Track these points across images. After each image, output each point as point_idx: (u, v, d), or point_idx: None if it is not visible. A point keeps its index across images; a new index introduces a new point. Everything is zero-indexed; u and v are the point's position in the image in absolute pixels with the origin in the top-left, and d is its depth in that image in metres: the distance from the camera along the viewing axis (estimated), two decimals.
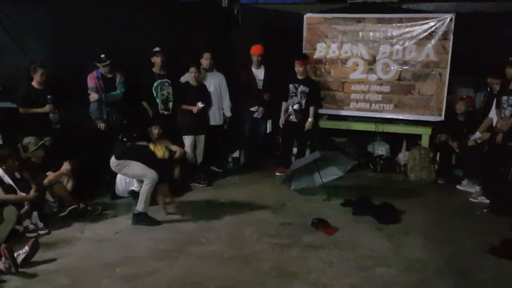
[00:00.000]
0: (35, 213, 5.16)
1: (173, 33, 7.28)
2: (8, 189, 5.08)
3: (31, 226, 5.07)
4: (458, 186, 6.91)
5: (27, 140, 5.63)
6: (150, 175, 5.33)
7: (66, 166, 5.69)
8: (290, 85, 7.40)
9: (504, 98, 6.21)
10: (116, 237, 5.08)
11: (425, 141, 7.51)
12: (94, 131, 6.51)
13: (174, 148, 6.71)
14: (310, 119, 7.43)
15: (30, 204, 5.14)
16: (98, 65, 6.46)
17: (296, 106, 7.34)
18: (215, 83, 7.28)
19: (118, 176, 6.21)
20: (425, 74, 7.46)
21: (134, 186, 6.20)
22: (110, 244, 4.90)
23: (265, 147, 8.05)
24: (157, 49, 6.84)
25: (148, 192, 5.36)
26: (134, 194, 6.06)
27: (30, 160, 5.64)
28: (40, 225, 5.13)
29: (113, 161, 5.41)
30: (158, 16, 7.27)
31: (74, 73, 6.48)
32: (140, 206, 5.38)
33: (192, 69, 6.90)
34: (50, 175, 5.60)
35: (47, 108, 6.10)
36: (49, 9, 6.57)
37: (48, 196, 5.58)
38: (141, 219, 5.38)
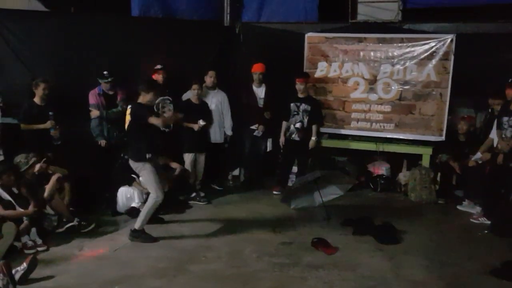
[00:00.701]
0: (33, 230, 5.15)
1: (175, 51, 7.34)
2: (7, 205, 5.07)
3: (30, 243, 5.04)
4: (458, 207, 6.87)
5: (18, 159, 5.59)
6: (157, 193, 5.30)
7: (55, 176, 5.69)
8: (292, 104, 7.41)
9: (505, 119, 6.21)
10: (115, 255, 5.05)
11: (425, 161, 7.50)
12: (95, 148, 6.50)
13: (174, 165, 6.76)
14: (313, 138, 7.43)
15: (29, 220, 5.12)
16: (100, 81, 6.50)
17: (298, 125, 7.35)
18: (217, 101, 7.30)
19: (119, 192, 6.20)
20: (426, 94, 7.48)
21: (135, 202, 6.18)
22: (109, 261, 4.87)
23: (266, 166, 8.03)
24: (158, 66, 6.89)
25: (149, 211, 5.35)
26: (134, 212, 6.05)
27: (26, 177, 5.63)
28: (39, 241, 5.11)
29: (132, 162, 5.44)
30: (160, 34, 7.34)
31: (76, 89, 6.55)
32: (137, 224, 5.38)
33: (195, 87, 6.92)
34: (47, 188, 5.58)
35: (48, 124, 6.14)
36: (52, 26, 6.66)
37: (49, 210, 5.57)
38: (138, 235, 5.37)
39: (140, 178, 6.17)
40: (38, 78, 6.21)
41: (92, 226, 5.67)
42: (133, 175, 6.29)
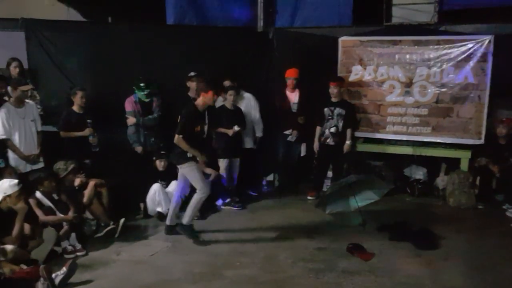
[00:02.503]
0: (73, 235, 5.28)
1: (210, 58, 7.41)
2: (47, 210, 5.22)
3: (69, 248, 5.17)
4: (507, 213, 6.65)
5: (57, 166, 5.76)
6: (203, 189, 5.49)
7: (93, 181, 5.86)
8: (325, 109, 7.37)
9: None
10: (152, 259, 5.13)
11: (464, 165, 7.34)
12: (132, 154, 6.63)
13: (209, 171, 6.81)
14: (348, 142, 7.38)
15: (69, 225, 5.25)
16: (137, 92, 6.61)
17: (333, 129, 7.31)
18: (244, 105, 7.30)
19: (149, 196, 6.30)
20: (463, 96, 7.32)
21: (161, 208, 6.27)
22: (146, 266, 4.95)
23: (300, 171, 8.00)
24: (192, 74, 6.97)
25: (196, 206, 5.53)
26: (161, 216, 6.23)
27: (65, 183, 5.79)
28: (78, 246, 5.23)
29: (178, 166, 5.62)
30: (195, 41, 7.43)
31: (113, 97, 6.69)
32: (185, 219, 5.60)
33: (230, 92, 6.95)
34: (86, 193, 5.74)
35: (87, 131, 6.29)
36: (89, 36, 6.83)
37: (88, 215, 5.73)
38: (185, 230, 5.59)
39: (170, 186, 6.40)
40: (76, 86, 6.38)
41: (121, 222, 5.75)
42: (160, 181, 6.44)
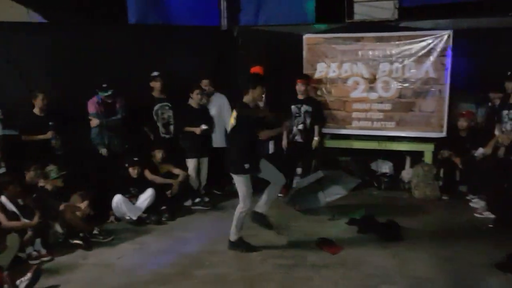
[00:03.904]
0: (38, 240, 5.15)
1: (174, 57, 7.35)
2: (11, 216, 5.09)
3: (34, 253, 5.05)
4: (470, 204, 6.81)
5: (50, 167, 5.69)
6: (245, 204, 5.18)
7: (85, 206, 5.71)
8: (292, 107, 7.41)
9: (505, 112, 6.23)
10: (120, 262, 5.06)
11: (428, 158, 7.50)
12: (96, 156, 6.53)
13: (177, 171, 6.78)
14: (316, 138, 7.44)
15: (34, 231, 5.13)
16: (100, 94, 6.52)
17: (300, 126, 7.37)
18: (217, 105, 7.31)
19: (114, 200, 6.20)
20: (425, 91, 7.47)
21: (127, 215, 6.18)
22: (113, 269, 4.88)
23: None
24: (155, 73, 6.92)
25: (238, 221, 5.24)
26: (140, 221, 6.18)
27: (42, 187, 5.67)
28: (43, 251, 5.12)
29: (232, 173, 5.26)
30: (158, 40, 7.36)
31: (75, 99, 6.56)
32: (232, 236, 5.30)
33: (197, 91, 6.93)
34: (65, 206, 5.58)
35: (49, 134, 6.16)
36: (50, 37, 6.69)
37: (57, 227, 5.53)
38: (237, 246, 5.28)
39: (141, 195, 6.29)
40: (36, 89, 6.24)
41: (111, 237, 5.69)
42: (132, 189, 6.33)
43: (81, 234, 5.49)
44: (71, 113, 6.43)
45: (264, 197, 5.34)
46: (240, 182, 5.13)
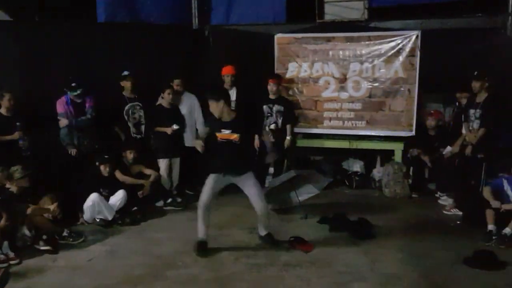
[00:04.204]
0: (5, 243, 5.03)
1: (145, 56, 7.29)
2: None
3: (2, 256, 4.93)
4: (439, 201, 6.95)
5: (15, 168, 5.53)
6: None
7: (55, 208, 5.60)
8: (264, 106, 7.44)
9: (472, 111, 6.37)
10: (90, 264, 4.98)
11: (398, 157, 7.61)
12: (66, 157, 6.42)
13: (148, 171, 6.72)
14: (288, 137, 7.48)
15: (0, 234, 5.00)
16: (69, 93, 6.41)
17: (272, 126, 7.40)
18: (187, 105, 7.27)
19: (86, 206, 6.09)
20: (394, 90, 7.58)
21: (104, 215, 6.08)
22: (84, 271, 4.80)
23: None
24: (126, 73, 6.84)
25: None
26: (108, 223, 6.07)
27: (5, 189, 5.51)
28: (11, 254, 4.99)
29: None
30: (128, 39, 7.28)
31: (43, 99, 6.44)
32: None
33: (168, 91, 6.88)
34: (33, 208, 5.46)
35: (16, 135, 6.02)
36: (16, 36, 6.55)
37: (25, 230, 5.38)
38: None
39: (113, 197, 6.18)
40: (2, 88, 6.10)
41: (82, 238, 5.60)
42: (102, 191, 6.22)
43: (44, 237, 5.32)
44: (39, 113, 6.31)
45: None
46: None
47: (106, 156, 6.30)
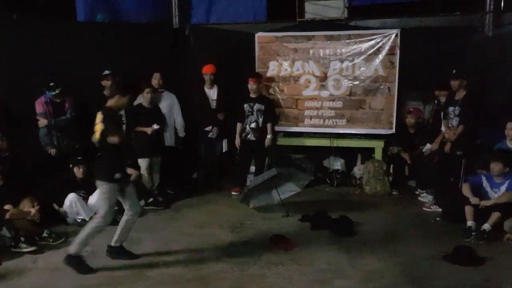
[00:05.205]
0: None
1: (125, 55, 7.24)
2: None
3: None
4: (419, 198, 7.03)
5: None
6: (105, 219, 4.68)
7: (34, 212, 5.52)
8: (245, 105, 7.45)
9: (451, 109, 6.45)
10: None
11: (378, 154, 7.68)
12: (45, 157, 6.34)
13: (129, 171, 6.64)
14: (269, 136, 7.50)
15: None
16: (47, 93, 6.34)
17: (253, 125, 7.40)
18: (167, 104, 7.24)
19: (65, 206, 6.03)
20: (374, 88, 7.64)
21: (82, 216, 6.02)
22: (64, 272, 4.71)
23: (222, 167, 8.02)
24: (107, 72, 6.78)
25: (88, 235, 4.69)
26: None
27: None
28: None
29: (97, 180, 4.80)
30: (108, 38, 7.23)
31: (22, 98, 6.36)
32: (72, 249, 4.70)
33: (147, 90, 6.84)
34: (13, 211, 5.38)
35: None
36: None
37: (5, 231, 5.28)
38: (71, 261, 4.69)
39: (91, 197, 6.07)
40: None
41: (62, 239, 5.51)
42: (79, 192, 6.15)
43: (22, 238, 5.23)
44: (18, 113, 6.23)
45: (117, 231, 4.98)
46: (105, 191, 4.69)
47: (79, 158, 6.22)
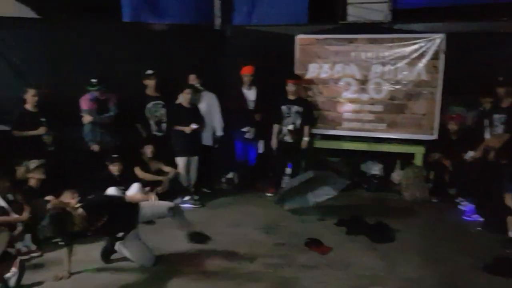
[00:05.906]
0: (27, 236, 5.12)
1: (167, 55, 7.35)
2: (0, 211, 5.05)
3: (24, 249, 5.03)
4: (460, 207, 6.85)
5: (31, 161, 5.65)
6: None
7: (75, 203, 5.66)
8: (283, 107, 7.42)
9: (496, 116, 6.30)
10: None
11: (418, 160, 7.53)
12: (88, 153, 6.51)
13: (167, 169, 6.78)
14: (306, 138, 7.46)
15: (24, 226, 5.09)
16: (89, 89, 6.50)
17: (290, 127, 7.38)
18: (206, 103, 7.31)
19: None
20: (416, 93, 7.50)
21: None
22: (102, 266, 4.85)
23: (258, 168, 8.03)
24: (149, 72, 6.92)
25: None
26: None
27: (26, 183, 5.62)
28: (33, 247, 5.09)
29: None
30: (153, 39, 7.37)
31: (68, 95, 6.55)
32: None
33: (187, 91, 6.94)
34: (54, 202, 5.52)
35: (41, 130, 6.14)
36: (43, 33, 6.67)
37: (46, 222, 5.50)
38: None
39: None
40: (28, 84, 6.22)
41: None
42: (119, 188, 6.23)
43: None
44: (64, 109, 6.42)
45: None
46: None
47: (114, 156, 6.33)
